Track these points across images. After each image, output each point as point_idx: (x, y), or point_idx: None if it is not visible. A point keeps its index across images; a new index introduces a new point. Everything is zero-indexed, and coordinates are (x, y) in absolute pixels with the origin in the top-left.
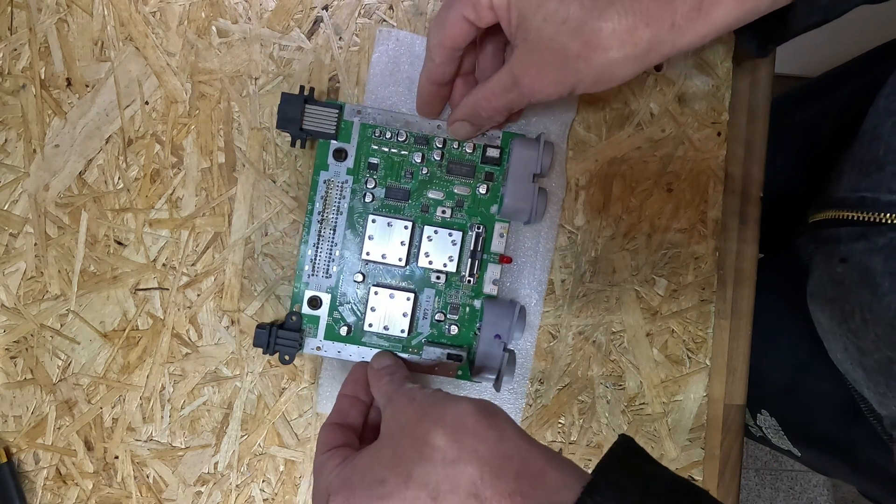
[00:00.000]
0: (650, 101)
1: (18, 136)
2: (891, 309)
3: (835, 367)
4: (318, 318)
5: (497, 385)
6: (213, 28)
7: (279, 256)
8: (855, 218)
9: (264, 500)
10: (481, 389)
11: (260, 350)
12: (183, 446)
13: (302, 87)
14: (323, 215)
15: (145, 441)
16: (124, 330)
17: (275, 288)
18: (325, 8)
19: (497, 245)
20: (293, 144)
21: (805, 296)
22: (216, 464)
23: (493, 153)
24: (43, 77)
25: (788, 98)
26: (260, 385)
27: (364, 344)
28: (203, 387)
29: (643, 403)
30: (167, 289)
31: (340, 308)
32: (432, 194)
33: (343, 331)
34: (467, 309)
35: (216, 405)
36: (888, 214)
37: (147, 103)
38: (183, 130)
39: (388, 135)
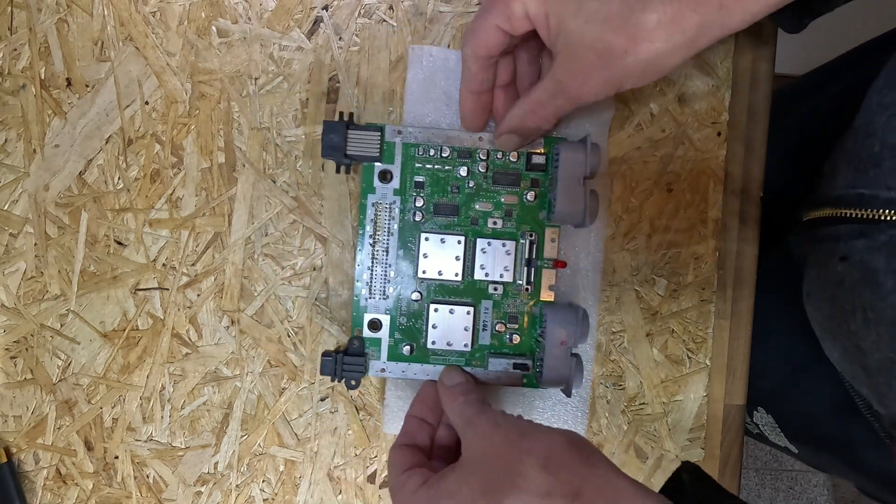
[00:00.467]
0: (650, 101)
1: (18, 136)
2: (894, 308)
3: (832, 366)
4: (379, 340)
5: (568, 391)
6: (213, 28)
7: (279, 256)
8: (854, 215)
9: (264, 500)
10: (546, 395)
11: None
12: (183, 446)
13: (341, 114)
14: (374, 238)
15: (145, 441)
16: (124, 330)
17: (275, 288)
18: (325, 8)
19: (550, 251)
20: (338, 171)
21: (801, 294)
22: (216, 464)
23: (538, 160)
24: (43, 77)
25: (780, 95)
26: (260, 385)
27: (428, 361)
28: (203, 387)
29: (643, 403)
30: (167, 289)
31: (401, 328)
32: (480, 206)
33: (406, 350)
34: (526, 317)
35: (216, 405)
36: (888, 211)
37: (147, 103)
38: (183, 130)
39: (431, 152)
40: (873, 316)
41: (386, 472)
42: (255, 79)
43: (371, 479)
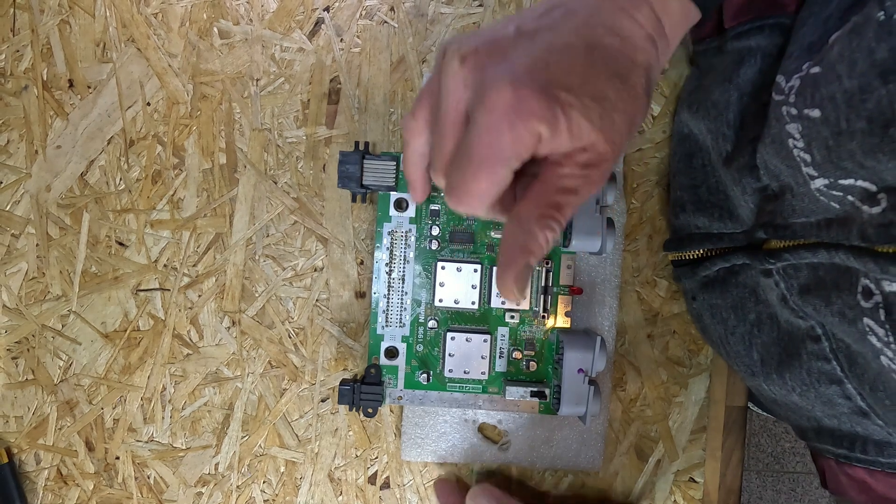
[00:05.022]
0: (650, 102)
1: (20, 136)
2: (743, 341)
3: None
4: (396, 367)
5: (585, 419)
6: (215, 29)
7: (280, 257)
8: (683, 258)
9: (265, 500)
10: (562, 420)
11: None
12: (184, 447)
13: (357, 143)
14: (390, 266)
15: (146, 442)
16: (125, 330)
17: (276, 289)
18: (327, 9)
19: (565, 277)
20: (353, 200)
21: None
22: (217, 464)
23: None
24: (45, 78)
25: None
26: (261, 386)
27: (445, 389)
28: (204, 387)
29: (644, 405)
30: (168, 289)
31: (417, 356)
32: (496, 234)
33: (422, 378)
34: (543, 344)
35: (217, 406)
36: (701, 251)
37: (149, 104)
38: (184, 131)
39: None
40: (725, 352)
41: (386, 474)
42: (257, 80)
43: (371, 480)
